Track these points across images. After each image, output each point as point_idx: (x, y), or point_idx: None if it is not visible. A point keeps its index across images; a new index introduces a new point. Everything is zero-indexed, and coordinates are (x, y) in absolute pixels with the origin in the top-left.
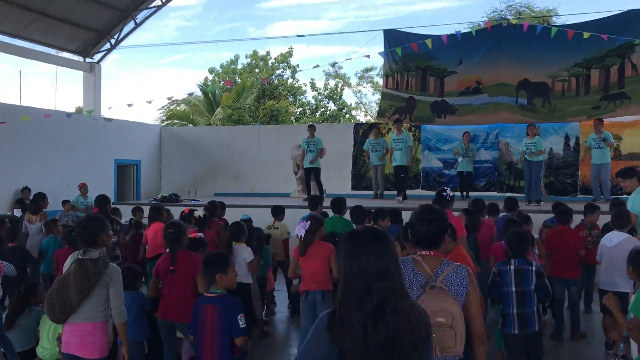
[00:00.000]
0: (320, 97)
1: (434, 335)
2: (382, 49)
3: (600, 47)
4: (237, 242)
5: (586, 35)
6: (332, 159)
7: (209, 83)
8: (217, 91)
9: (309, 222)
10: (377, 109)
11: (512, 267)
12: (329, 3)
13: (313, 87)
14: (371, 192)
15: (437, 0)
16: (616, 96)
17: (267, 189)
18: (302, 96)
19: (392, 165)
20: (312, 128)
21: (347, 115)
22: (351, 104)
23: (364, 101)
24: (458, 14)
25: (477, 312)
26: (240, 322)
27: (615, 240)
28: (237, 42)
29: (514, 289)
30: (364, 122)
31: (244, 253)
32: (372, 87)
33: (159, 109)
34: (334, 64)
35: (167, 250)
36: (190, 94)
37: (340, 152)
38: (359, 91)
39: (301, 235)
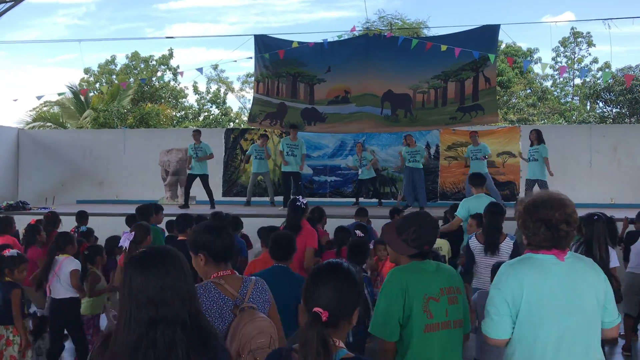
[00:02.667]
0: (203, 102)
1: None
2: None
3: (458, 61)
4: (63, 254)
5: (443, 48)
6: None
7: (84, 84)
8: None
9: (133, 233)
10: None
11: None
12: (230, 8)
13: (196, 90)
14: (243, 199)
15: (336, 9)
16: (471, 108)
17: (134, 195)
18: (184, 99)
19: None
20: (197, 133)
21: (237, 121)
22: (237, 109)
23: (248, 106)
24: (355, 22)
25: (278, 323)
26: None
27: None
28: (136, 43)
29: None
30: (235, 127)
31: (69, 265)
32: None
33: (30, 111)
34: (215, 66)
35: None
36: (61, 95)
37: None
38: (243, 96)
39: (126, 247)
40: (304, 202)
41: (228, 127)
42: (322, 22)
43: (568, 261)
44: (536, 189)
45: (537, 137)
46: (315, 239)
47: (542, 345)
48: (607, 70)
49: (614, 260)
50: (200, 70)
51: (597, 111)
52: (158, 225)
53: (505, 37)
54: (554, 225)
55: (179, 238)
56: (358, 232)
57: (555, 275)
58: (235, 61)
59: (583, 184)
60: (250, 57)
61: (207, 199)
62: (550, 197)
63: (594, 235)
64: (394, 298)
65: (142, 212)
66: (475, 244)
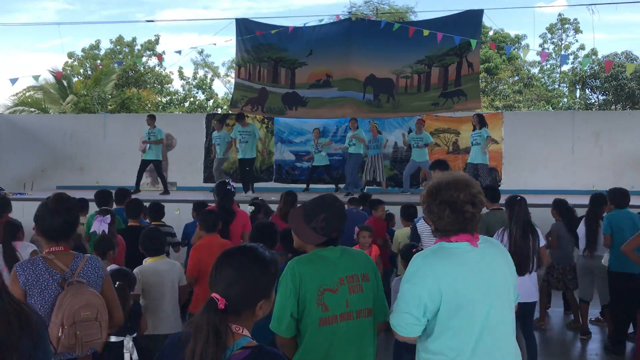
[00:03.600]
0: (188, 87)
1: (78, 332)
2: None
3: (441, 45)
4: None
5: (425, 32)
6: (183, 151)
7: (68, 69)
8: (75, 77)
9: (108, 216)
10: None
11: None
12: None
13: (181, 76)
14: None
15: None
16: (453, 93)
17: (114, 181)
18: (169, 85)
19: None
20: (151, 118)
21: (225, 107)
22: (223, 95)
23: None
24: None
25: (114, 300)
26: None
27: None
28: (126, 28)
29: None
30: (217, 112)
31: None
32: None
33: (12, 96)
34: (201, 51)
35: None
36: (37, 77)
37: (191, 143)
38: (229, 82)
39: (103, 230)
40: (235, 186)
41: (210, 112)
42: (315, 8)
43: (482, 246)
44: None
45: (479, 121)
46: (249, 222)
47: (466, 336)
48: (593, 57)
49: (542, 239)
50: (179, 52)
51: (585, 98)
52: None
53: (493, 24)
54: (458, 208)
55: (129, 224)
56: None
57: (471, 264)
58: (215, 44)
59: (565, 170)
60: (230, 40)
61: (187, 186)
62: (454, 178)
63: (513, 216)
64: (287, 292)
65: (101, 197)
66: (423, 227)
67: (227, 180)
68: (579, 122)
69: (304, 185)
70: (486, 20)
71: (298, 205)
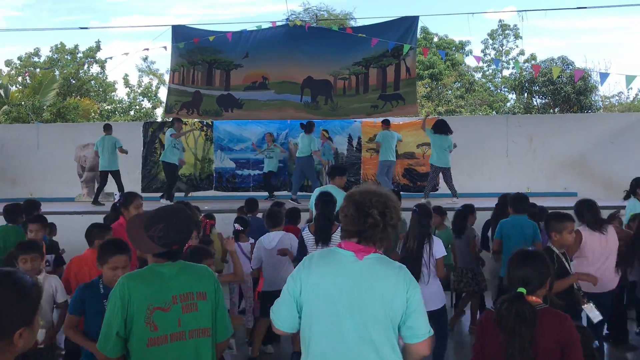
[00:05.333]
0: (133, 95)
1: None
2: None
3: (377, 49)
4: None
5: (361, 35)
6: (121, 160)
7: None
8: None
9: None
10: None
11: None
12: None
13: (126, 83)
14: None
15: (283, 2)
16: (392, 97)
17: (48, 193)
18: (113, 93)
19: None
20: (107, 128)
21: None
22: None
23: None
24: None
25: None
26: None
27: (274, 241)
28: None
29: None
30: (154, 121)
31: None
32: None
33: None
34: (146, 58)
35: None
36: None
37: (130, 152)
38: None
39: None
40: (121, 200)
41: (147, 121)
42: (272, 15)
43: (367, 262)
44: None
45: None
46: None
47: (316, 346)
48: (533, 61)
49: (441, 250)
50: (126, 54)
51: (525, 102)
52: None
53: (438, 30)
54: (365, 208)
55: None
56: (237, 225)
57: (346, 276)
58: (147, 49)
59: (500, 173)
60: (164, 47)
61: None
62: (379, 189)
63: (410, 227)
64: (114, 310)
65: (10, 212)
66: (307, 235)
67: (116, 194)
68: (512, 126)
69: (266, 194)
70: (431, 27)
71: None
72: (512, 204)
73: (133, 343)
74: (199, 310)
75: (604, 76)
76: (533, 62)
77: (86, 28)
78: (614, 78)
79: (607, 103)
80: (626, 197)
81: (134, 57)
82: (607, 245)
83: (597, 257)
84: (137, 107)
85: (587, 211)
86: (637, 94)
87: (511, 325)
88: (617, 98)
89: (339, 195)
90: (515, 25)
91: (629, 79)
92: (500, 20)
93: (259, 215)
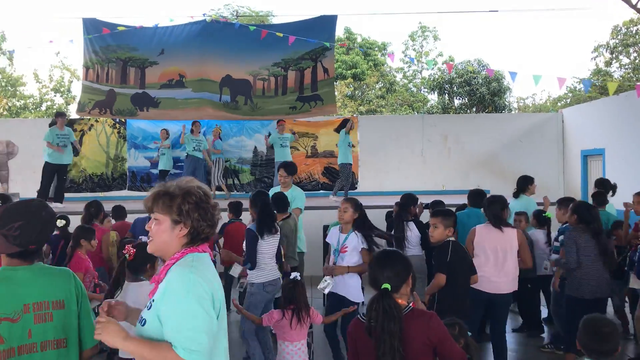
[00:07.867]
0: (45, 90)
1: None
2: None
3: (296, 49)
4: None
5: (279, 34)
6: (26, 159)
7: None
8: None
9: None
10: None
11: None
12: None
13: (36, 78)
14: (77, 195)
15: None
16: (310, 98)
17: None
18: (23, 88)
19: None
20: (61, 116)
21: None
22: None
23: None
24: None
25: None
26: None
27: None
28: None
29: None
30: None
31: None
32: None
33: None
34: (58, 52)
35: None
36: None
37: (35, 151)
38: None
39: None
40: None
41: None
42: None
43: None
44: None
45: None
46: None
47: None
48: (451, 62)
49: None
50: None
51: (444, 103)
52: None
53: (361, 31)
54: (202, 205)
55: None
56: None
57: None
58: (52, 41)
59: (416, 172)
60: (72, 41)
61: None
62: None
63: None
64: None
65: None
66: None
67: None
68: (428, 126)
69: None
70: (354, 28)
71: None
72: (471, 197)
73: None
74: (54, 320)
75: (512, 75)
76: (451, 62)
77: None
78: (528, 80)
79: (521, 104)
80: (515, 195)
81: (45, 51)
82: (505, 243)
83: (496, 253)
84: (48, 102)
85: (487, 208)
86: (549, 96)
87: (380, 323)
88: (531, 99)
89: None
90: (435, 28)
91: (536, 79)
92: (419, 22)
93: None
